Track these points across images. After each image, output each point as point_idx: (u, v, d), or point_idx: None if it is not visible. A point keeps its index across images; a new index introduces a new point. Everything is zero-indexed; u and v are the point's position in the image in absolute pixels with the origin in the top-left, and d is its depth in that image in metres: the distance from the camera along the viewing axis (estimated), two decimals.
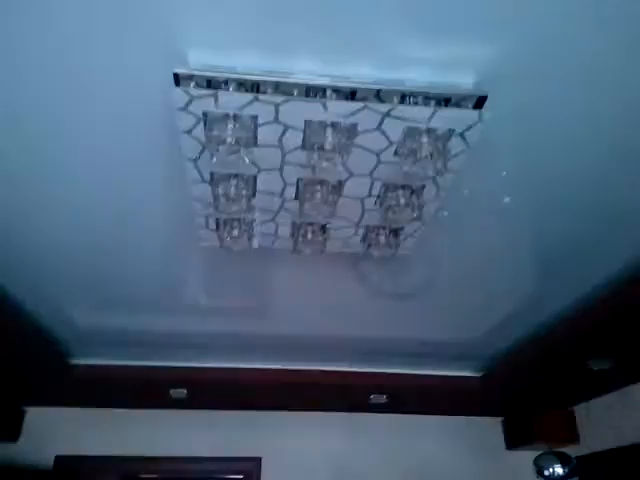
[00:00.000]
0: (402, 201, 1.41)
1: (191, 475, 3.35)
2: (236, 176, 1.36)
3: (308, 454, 3.40)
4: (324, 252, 1.70)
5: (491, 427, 3.61)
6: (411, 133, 1.20)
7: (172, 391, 3.02)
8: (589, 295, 2.07)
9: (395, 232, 1.63)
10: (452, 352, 2.79)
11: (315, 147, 1.21)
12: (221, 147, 1.18)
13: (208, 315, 2.39)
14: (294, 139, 1.24)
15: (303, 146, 1.25)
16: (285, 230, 1.61)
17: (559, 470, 2.57)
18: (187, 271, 2.04)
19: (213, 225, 1.56)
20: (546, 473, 2.60)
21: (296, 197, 1.45)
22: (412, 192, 1.42)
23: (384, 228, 1.61)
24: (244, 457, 3.33)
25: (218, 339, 2.63)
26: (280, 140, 1.24)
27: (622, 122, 1.26)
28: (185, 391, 3.02)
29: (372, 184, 1.40)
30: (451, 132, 1.20)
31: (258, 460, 3.33)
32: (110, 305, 2.29)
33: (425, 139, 1.19)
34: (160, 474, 3.32)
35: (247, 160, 1.22)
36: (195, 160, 1.29)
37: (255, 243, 1.66)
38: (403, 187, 1.41)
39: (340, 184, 1.39)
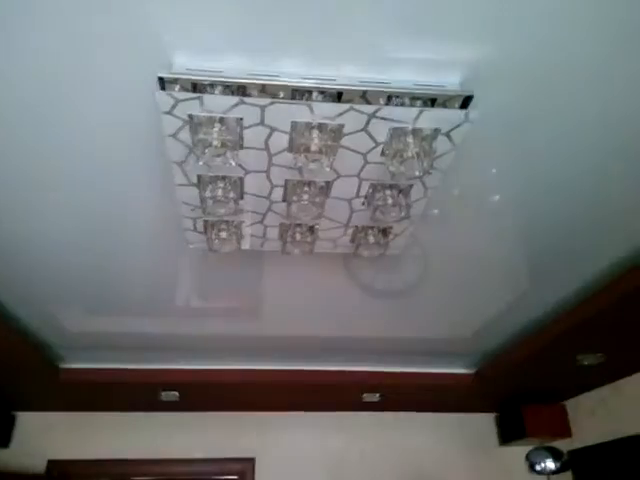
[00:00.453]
0: (390, 201, 1.41)
1: (184, 477, 3.35)
2: (223, 178, 1.36)
3: (302, 454, 3.40)
4: (313, 253, 1.70)
5: (484, 423, 3.63)
6: (397, 134, 1.20)
7: (163, 393, 3.01)
8: (578, 292, 2.09)
9: (384, 232, 1.63)
10: (444, 349, 2.80)
11: (301, 149, 1.21)
12: (207, 150, 1.18)
13: (199, 317, 2.38)
14: (280, 141, 1.23)
15: (290, 148, 1.25)
16: (274, 231, 1.61)
17: (551, 465, 2.59)
18: (177, 273, 2.03)
19: (201, 227, 1.56)
20: (538, 468, 2.62)
21: (284, 199, 1.45)
22: (400, 192, 1.42)
23: (373, 228, 1.61)
24: (237, 458, 3.33)
25: (210, 341, 2.62)
26: (266, 142, 1.24)
27: (614, 120, 1.27)
28: (177, 393, 3.02)
29: (360, 185, 1.40)
30: (437, 132, 1.20)
31: (252, 461, 3.33)
32: (99, 309, 2.27)
33: (411, 139, 1.20)
34: (153, 477, 3.31)
35: (233, 162, 1.22)
36: (181, 163, 1.29)
37: (244, 245, 1.66)
38: (391, 187, 1.41)
39: (327, 185, 1.39)
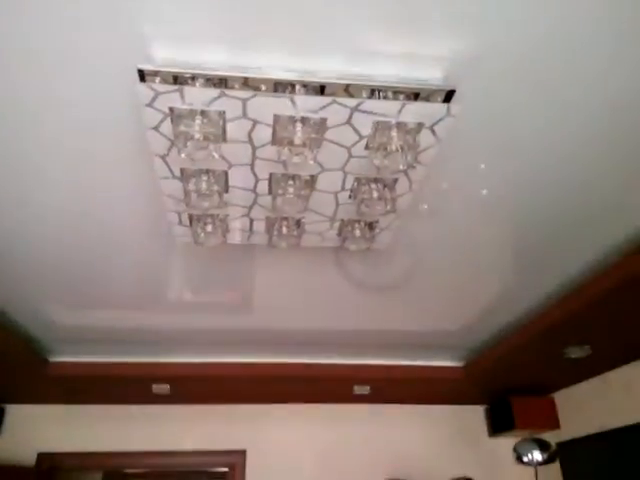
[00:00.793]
0: (375, 195, 1.41)
1: (176, 469, 3.36)
2: (207, 172, 1.35)
3: (292, 445, 3.42)
4: (300, 246, 1.70)
5: (474, 415, 3.66)
6: (381, 127, 1.20)
7: (155, 387, 3.01)
8: (564, 285, 2.10)
9: (370, 225, 1.63)
10: (434, 343, 2.81)
11: (285, 142, 1.21)
12: (189, 143, 1.17)
13: (189, 311, 2.38)
14: (264, 134, 1.23)
15: (273, 141, 1.24)
16: (260, 225, 1.61)
17: (538, 456, 2.61)
18: (166, 267, 2.02)
19: (186, 221, 1.55)
20: (525, 459, 2.64)
21: (269, 192, 1.44)
22: (385, 186, 1.41)
23: (359, 222, 1.61)
24: (229, 450, 3.34)
25: (200, 334, 2.62)
26: (249, 135, 1.23)
27: (597, 113, 1.27)
28: (168, 386, 3.02)
29: (344, 178, 1.40)
30: (420, 126, 1.19)
31: (243, 453, 3.34)
32: (88, 303, 2.27)
33: (395, 133, 1.19)
34: (144, 469, 3.32)
35: (216, 155, 1.21)
36: (164, 156, 1.28)
37: (230, 239, 1.65)
38: (375, 181, 1.40)
39: (312, 179, 1.39)
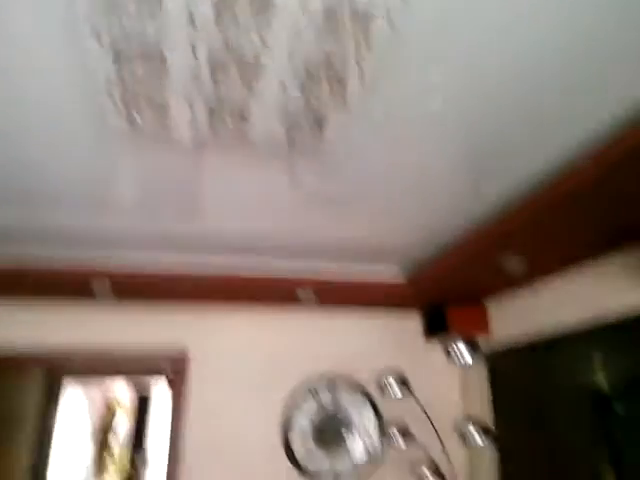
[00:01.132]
0: (325, 86, 1.34)
1: (117, 369, 3.38)
2: (143, 54, 1.23)
3: (236, 346, 3.51)
4: (245, 141, 1.64)
5: (412, 321, 3.86)
6: (332, 9, 1.12)
7: (96, 285, 2.96)
8: (503, 199, 2.15)
9: (319, 122, 1.57)
10: (379, 253, 2.88)
11: (228, 18, 1.11)
12: (123, 13, 1.05)
13: (131, 210, 2.29)
14: (205, 10, 1.12)
15: (215, 18, 1.14)
16: (202, 115, 1.52)
17: (466, 354, 2.80)
18: (106, 164, 1.89)
19: (121, 107, 1.44)
20: (453, 355, 2.84)
21: (211, 77, 1.35)
22: (335, 78, 1.34)
23: (307, 117, 1.55)
24: (171, 349, 3.39)
25: (142, 235, 2.57)
26: (189, 9, 1.12)
27: (554, 9, 1.22)
28: (109, 284, 2.97)
29: (293, 66, 1.32)
30: (374, 8, 1.12)
31: (185, 352, 3.40)
32: (26, 200, 2.14)
33: (347, 15, 1.11)
34: (85, 368, 3.33)
35: (152, 29, 1.10)
36: (98, 32, 1.15)
37: (169, 128, 1.56)
38: (327, 70, 1.33)
39: (257, 63, 1.30)
